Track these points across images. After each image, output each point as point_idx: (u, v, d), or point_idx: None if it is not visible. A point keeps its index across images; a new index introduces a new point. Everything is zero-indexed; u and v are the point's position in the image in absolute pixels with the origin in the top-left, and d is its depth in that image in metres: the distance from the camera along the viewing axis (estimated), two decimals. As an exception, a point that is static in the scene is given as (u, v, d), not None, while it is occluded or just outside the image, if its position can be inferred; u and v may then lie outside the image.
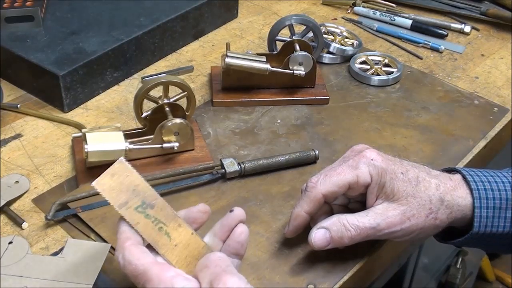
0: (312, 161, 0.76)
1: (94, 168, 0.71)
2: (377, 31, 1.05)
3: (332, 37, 0.98)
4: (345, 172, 0.59)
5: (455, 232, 0.62)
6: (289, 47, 0.86)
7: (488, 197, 0.59)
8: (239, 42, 1.00)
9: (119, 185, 0.53)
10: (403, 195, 0.59)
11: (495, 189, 0.60)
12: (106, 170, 0.53)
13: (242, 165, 0.72)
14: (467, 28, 1.04)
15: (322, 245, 0.59)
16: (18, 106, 0.83)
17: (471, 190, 0.60)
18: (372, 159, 0.59)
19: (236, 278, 0.48)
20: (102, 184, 0.52)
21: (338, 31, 1.01)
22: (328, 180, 0.59)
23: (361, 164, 0.59)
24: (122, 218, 0.53)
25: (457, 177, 0.62)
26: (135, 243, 0.51)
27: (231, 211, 0.56)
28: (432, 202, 0.59)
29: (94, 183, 0.53)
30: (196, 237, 0.54)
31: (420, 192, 0.59)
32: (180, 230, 0.53)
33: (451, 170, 0.64)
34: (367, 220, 0.58)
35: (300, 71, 0.84)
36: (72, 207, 0.67)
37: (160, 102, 0.75)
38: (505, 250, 0.65)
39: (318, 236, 0.59)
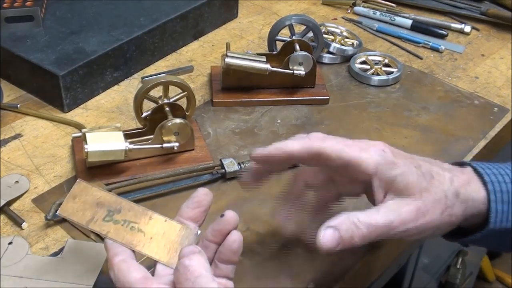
0: (312, 161, 0.75)
1: (94, 168, 0.71)
2: (377, 31, 1.05)
3: (332, 37, 0.98)
4: (353, 149, 0.55)
5: (463, 231, 0.60)
6: (289, 47, 0.86)
7: (503, 190, 0.56)
8: (239, 42, 1.00)
9: (83, 204, 0.54)
10: (418, 190, 0.54)
11: (508, 181, 0.56)
12: (67, 195, 0.55)
13: (242, 165, 0.72)
14: (467, 28, 1.04)
15: (331, 246, 0.53)
16: (18, 106, 0.83)
17: (484, 183, 0.56)
18: (383, 150, 0.56)
19: None
20: (66, 209, 0.54)
21: (338, 31, 1.01)
22: (334, 143, 0.55)
23: (371, 150, 0.55)
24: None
25: (468, 170, 0.58)
26: (124, 258, 0.51)
27: (222, 215, 0.53)
28: (447, 197, 0.55)
29: (59, 212, 0.54)
30: (171, 222, 0.54)
31: (435, 187, 0.55)
32: (153, 222, 0.54)
33: (460, 164, 0.61)
34: (380, 217, 0.54)
35: (300, 71, 0.84)
36: (72, 207, 0.67)
37: (160, 102, 0.75)
38: None
39: (327, 236, 0.53)
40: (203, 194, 0.55)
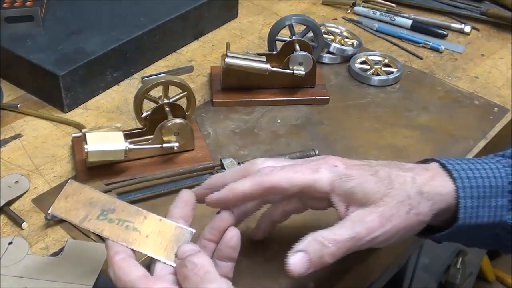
0: (312, 161, 0.75)
1: (94, 168, 0.71)
2: (377, 31, 1.05)
3: (332, 37, 0.98)
4: (303, 172, 0.54)
5: (435, 228, 0.59)
6: (289, 47, 0.86)
7: (472, 186, 0.55)
8: (239, 42, 1.00)
9: (75, 203, 0.54)
10: (378, 196, 0.54)
11: (478, 176, 0.55)
12: (59, 194, 0.55)
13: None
14: (467, 28, 1.04)
15: (301, 270, 0.52)
16: (18, 106, 0.83)
17: (453, 179, 0.55)
18: (334, 165, 0.55)
19: (213, 285, 0.48)
20: (58, 208, 0.54)
21: (338, 31, 1.01)
22: (284, 173, 0.54)
23: (322, 169, 0.55)
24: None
25: (434, 165, 0.57)
26: (124, 257, 0.51)
27: (218, 212, 0.55)
28: (410, 197, 0.54)
29: (50, 210, 0.54)
30: (166, 222, 0.55)
31: (396, 189, 0.54)
32: (147, 221, 0.54)
33: (426, 161, 0.60)
34: (345, 231, 0.53)
35: (300, 71, 0.84)
36: (72, 207, 0.67)
37: (160, 102, 0.75)
38: (488, 244, 0.61)
39: (296, 262, 0.52)
40: (187, 195, 0.56)
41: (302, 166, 0.55)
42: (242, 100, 0.85)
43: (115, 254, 0.51)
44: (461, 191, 0.55)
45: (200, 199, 0.57)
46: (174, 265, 0.52)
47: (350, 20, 1.07)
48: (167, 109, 0.74)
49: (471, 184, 0.55)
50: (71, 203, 0.54)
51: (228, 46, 0.88)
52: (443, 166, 0.57)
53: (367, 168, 0.56)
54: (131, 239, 0.53)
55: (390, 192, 0.54)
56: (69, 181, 0.56)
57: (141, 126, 0.76)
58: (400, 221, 0.54)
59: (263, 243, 0.65)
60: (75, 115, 0.83)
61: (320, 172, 0.55)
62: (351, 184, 0.54)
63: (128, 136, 0.72)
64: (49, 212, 0.55)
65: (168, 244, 0.53)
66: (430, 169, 0.57)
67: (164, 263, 0.53)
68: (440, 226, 0.58)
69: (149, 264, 0.54)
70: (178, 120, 0.72)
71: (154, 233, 0.54)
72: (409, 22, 1.05)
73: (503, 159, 0.59)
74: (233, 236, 0.53)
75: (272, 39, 0.91)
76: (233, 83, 0.86)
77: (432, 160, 0.59)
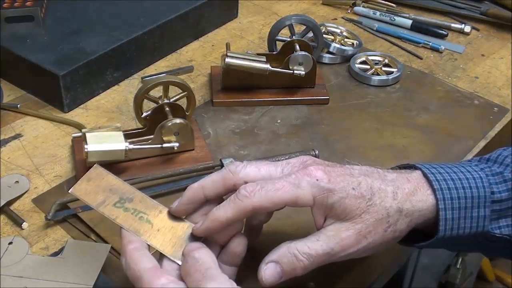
0: (312, 161, 0.75)
1: (94, 168, 0.71)
2: (377, 31, 1.05)
3: (332, 37, 0.98)
4: (285, 189, 0.52)
5: (417, 233, 0.58)
6: (289, 47, 0.86)
7: (453, 197, 0.54)
8: (239, 42, 1.00)
9: (96, 188, 0.55)
10: (357, 213, 0.53)
11: (459, 187, 0.55)
12: (82, 177, 0.56)
13: (242, 165, 0.72)
14: (467, 28, 1.04)
15: (273, 281, 0.52)
16: (18, 106, 0.83)
17: (433, 190, 0.55)
18: (317, 179, 0.53)
19: (215, 282, 0.48)
20: (79, 189, 0.55)
21: (338, 31, 1.01)
22: (264, 193, 0.52)
23: (303, 183, 0.52)
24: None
25: (416, 175, 0.56)
26: (137, 247, 0.52)
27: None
28: (389, 214, 0.53)
29: (71, 190, 0.56)
30: (179, 219, 0.55)
31: (376, 206, 0.53)
32: (162, 216, 0.55)
33: (410, 166, 0.58)
34: (319, 245, 0.52)
35: (300, 71, 0.84)
36: (72, 207, 0.67)
37: (160, 102, 0.75)
38: (470, 250, 0.61)
39: (269, 272, 0.52)
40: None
41: (283, 181, 0.53)
42: (242, 100, 0.85)
43: (128, 243, 0.52)
44: (441, 203, 0.54)
45: (181, 214, 0.56)
46: (180, 263, 0.53)
47: (350, 20, 1.07)
48: (167, 109, 0.74)
49: (451, 196, 0.55)
50: (92, 186, 0.56)
51: (228, 46, 0.88)
52: (425, 175, 0.56)
53: (350, 180, 0.54)
54: (142, 231, 0.54)
55: (369, 208, 0.53)
56: (94, 165, 0.57)
57: (141, 126, 0.76)
58: (376, 238, 0.53)
59: (264, 243, 0.65)
60: (75, 115, 0.83)
61: (302, 187, 0.52)
62: (332, 200, 0.53)
63: (128, 136, 0.72)
64: (69, 192, 0.56)
65: (177, 241, 0.54)
66: (412, 180, 0.56)
67: (169, 259, 0.53)
68: (422, 229, 0.57)
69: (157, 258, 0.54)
70: (178, 120, 0.72)
71: (165, 228, 0.55)
72: (409, 22, 1.05)
73: (486, 167, 0.58)
74: (239, 243, 0.54)
75: (272, 39, 0.91)
76: (233, 83, 0.86)
77: (415, 167, 0.58)
